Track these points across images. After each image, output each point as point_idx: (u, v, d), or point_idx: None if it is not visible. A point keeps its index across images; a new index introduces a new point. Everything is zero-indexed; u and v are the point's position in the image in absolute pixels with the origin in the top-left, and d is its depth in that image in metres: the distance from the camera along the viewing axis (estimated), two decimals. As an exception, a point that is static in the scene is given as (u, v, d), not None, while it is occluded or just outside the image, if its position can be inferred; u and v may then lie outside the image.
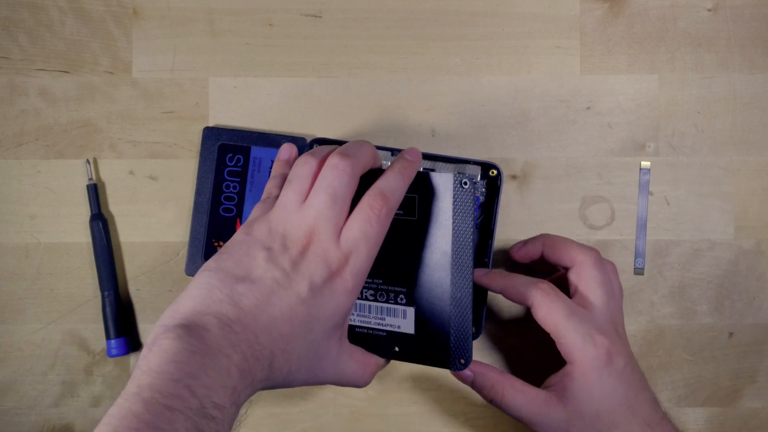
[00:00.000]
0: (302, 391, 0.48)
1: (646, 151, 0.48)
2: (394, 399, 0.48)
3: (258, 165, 0.48)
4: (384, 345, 0.41)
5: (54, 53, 0.48)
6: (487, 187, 0.46)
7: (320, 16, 0.49)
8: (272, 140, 0.47)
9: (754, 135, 0.49)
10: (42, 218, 0.48)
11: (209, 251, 0.47)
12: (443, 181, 0.39)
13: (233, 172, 0.48)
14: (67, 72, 0.48)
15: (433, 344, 0.40)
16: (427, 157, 0.45)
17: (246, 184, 0.48)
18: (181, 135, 0.48)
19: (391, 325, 0.40)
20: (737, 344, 0.48)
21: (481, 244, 0.46)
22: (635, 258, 0.48)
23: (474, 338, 0.44)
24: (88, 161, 0.48)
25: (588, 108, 0.49)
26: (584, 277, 0.41)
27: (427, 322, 0.40)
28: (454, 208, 0.38)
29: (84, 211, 0.48)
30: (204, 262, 0.47)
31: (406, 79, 0.49)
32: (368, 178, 0.38)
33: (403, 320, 0.40)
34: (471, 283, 0.39)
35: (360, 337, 0.41)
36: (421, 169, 0.45)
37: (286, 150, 0.42)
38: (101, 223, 0.48)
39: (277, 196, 0.38)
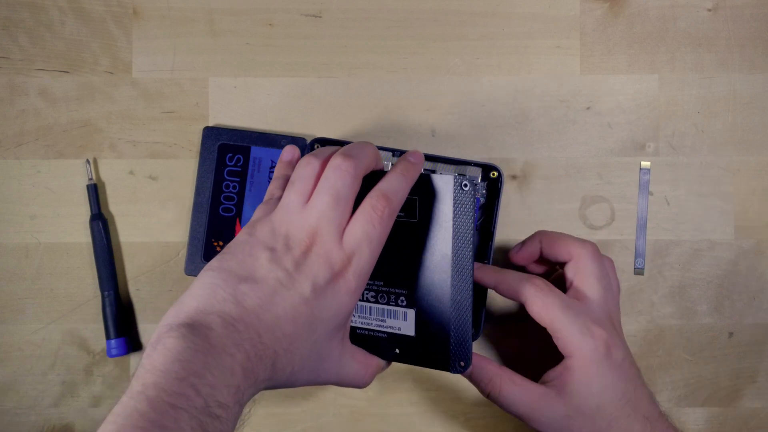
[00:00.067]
0: (303, 391, 0.49)
1: (646, 151, 0.49)
2: (394, 399, 0.49)
3: (258, 165, 0.48)
4: (384, 347, 0.41)
5: (54, 53, 0.49)
6: (488, 189, 0.47)
7: (320, 16, 0.49)
8: (272, 140, 0.48)
9: (754, 135, 0.49)
10: (42, 218, 0.49)
11: (209, 251, 0.48)
12: (444, 183, 0.39)
13: (233, 172, 0.48)
14: (67, 72, 0.49)
15: (433, 346, 0.40)
16: (427, 158, 0.46)
17: (246, 184, 0.48)
18: (181, 135, 0.49)
19: (391, 327, 0.41)
20: (737, 344, 0.49)
21: (481, 245, 0.46)
22: (635, 258, 0.49)
23: (473, 340, 0.45)
24: (88, 161, 0.49)
25: (588, 108, 0.49)
26: (581, 270, 0.41)
27: (427, 324, 0.40)
28: (454, 211, 0.39)
29: (84, 211, 0.49)
30: (203, 262, 0.48)
31: (406, 79, 0.49)
32: (370, 179, 0.38)
33: (403, 322, 0.41)
34: (471, 286, 0.39)
35: (361, 338, 0.41)
36: (422, 171, 0.46)
37: (289, 152, 0.43)
38: (101, 223, 0.48)
39: (280, 198, 0.39)
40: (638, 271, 0.49)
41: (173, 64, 0.49)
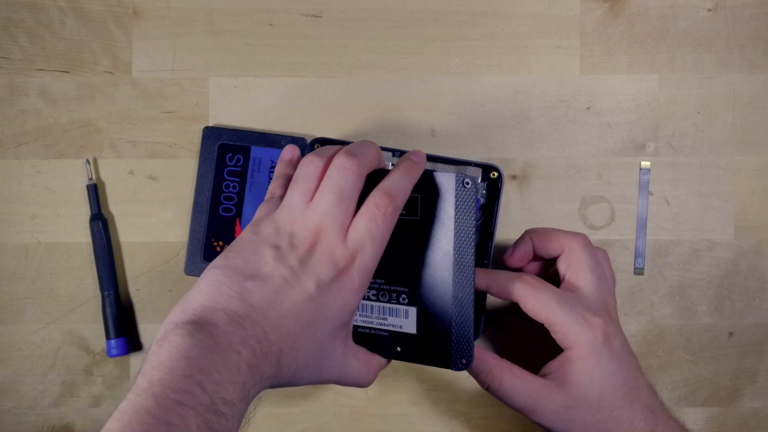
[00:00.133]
0: (303, 391, 0.50)
1: (646, 151, 0.50)
2: (394, 399, 0.50)
3: (258, 165, 0.49)
4: (386, 345, 0.42)
5: (54, 53, 0.50)
6: (488, 189, 0.48)
7: (320, 16, 0.50)
8: (272, 140, 0.49)
9: (754, 135, 0.50)
10: (42, 218, 0.50)
11: (209, 251, 0.49)
12: (446, 181, 0.40)
13: (233, 172, 0.49)
14: (67, 72, 0.50)
15: (435, 344, 0.41)
16: (427, 158, 0.47)
17: (246, 184, 0.49)
18: (181, 135, 0.50)
19: (393, 325, 0.41)
20: (737, 344, 0.50)
21: (481, 245, 0.47)
22: (635, 258, 0.50)
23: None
24: (88, 161, 0.50)
25: (588, 108, 0.50)
26: (572, 262, 0.42)
27: (428, 322, 0.41)
28: (456, 208, 0.40)
29: (84, 211, 0.50)
30: (203, 262, 0.49)
31: (406, 79, 0.50)
32: (373, 178, 0.39)
33: (405, 320, 0.41)
34: (473, 283, 0.40)
35: (362, 337, 0.42)
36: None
37: (289, 151, 0.43)
38: (101, 223, 0.49)
39: (281, 196, 0.39)
40: (638, 271, 0.50)
41: (173, 64, 0.50)
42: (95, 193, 0.49)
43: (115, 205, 0.50)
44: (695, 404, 0.50)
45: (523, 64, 0.50)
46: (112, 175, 0.50)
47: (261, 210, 0.39)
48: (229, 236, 0.49)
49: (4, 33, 0.50)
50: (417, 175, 0.40)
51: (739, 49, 0.50)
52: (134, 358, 0.50)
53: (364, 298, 0.42)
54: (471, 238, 0.40)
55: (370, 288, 0.42)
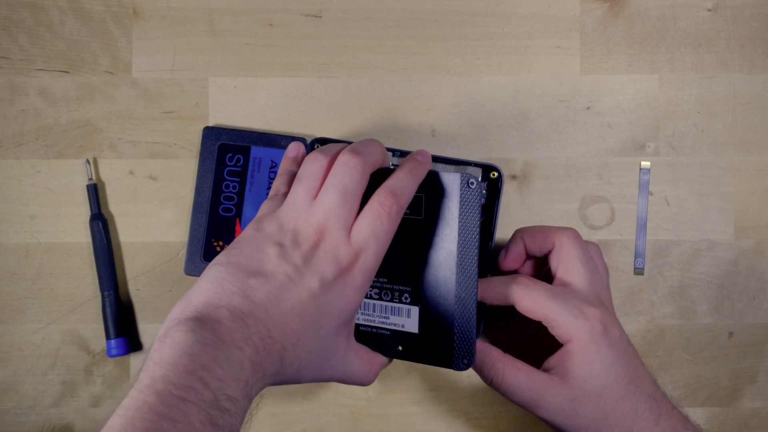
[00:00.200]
0: (303, 391, 0.51)
1: (646, 151, 0.51)
2: (394, 399, 0.51)
3: (258, 165, 0.50)
4: (387, 344, 0.42)
5: (54, 53, 0.51)
6: (488, 189, 0.48)
7: (320, 16, 0.51)
8: (272, 140, 0.50)
9: (754, 135, 0.51)
10: (42, 218, 0.51)
11: (208, 251, 0.50)
12: (450, 181, 0.40)
13: (233, 172, 0.50)
14: (67, 72, 0.51)
15: (437, 344, 0.41)
16: (428, 158, 0.48)
17: (246, 184, 0.50)
18: (181, 135, 0.51)
19: (395, 324, 0.42)
20: (737, 344, 0.51)
21: (481, 245, 0.48)
22: (635, 258, 0.51)
23: None
24: (88, 161, 0.51)
25: (588, 108, 0.51)
26: (564, 257, 0.42)
27: (431, 322, 0.41)
28: (460, 208, 0.40)
29: (84, 211, 0.51)
30: (203, 262, 0.49)
31: (406, 79, 0.51)
32: (377, 177, 0.40)
33: (407, 319, 0.42)
34: (476, 283, 0.40)
35: (364, 335, 0.42)
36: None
37: (294, 148, 0.44)
38: (101, 223, 0.50)
39: (285, 194, 0.40)
40: (638, 271, 0.51)
41: (173, 64, 0.51)
42: (95, 193, 0.50)
43: (115, 205, 0.51)
44: (695, 404, 0.51)
45: (523, 64, 0.51)
46: (112, 175, 0.51)
47: (264, 207, 0.40)
48: (229, 236, 0.50)
49: (4, 33, 0.51)
50: (422, 174, 0.40)
51: (739, 49, 0.51)
52: (134, 358, 0.51)
53: (366, 297, 0.42)
54: (475, 238, 0.40)
55: (372, 287, 0.42)
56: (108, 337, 0.50)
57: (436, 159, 0.48)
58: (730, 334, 0.51)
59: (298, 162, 0.43)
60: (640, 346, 0.50)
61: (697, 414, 0.51)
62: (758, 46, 0.51)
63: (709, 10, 0.51)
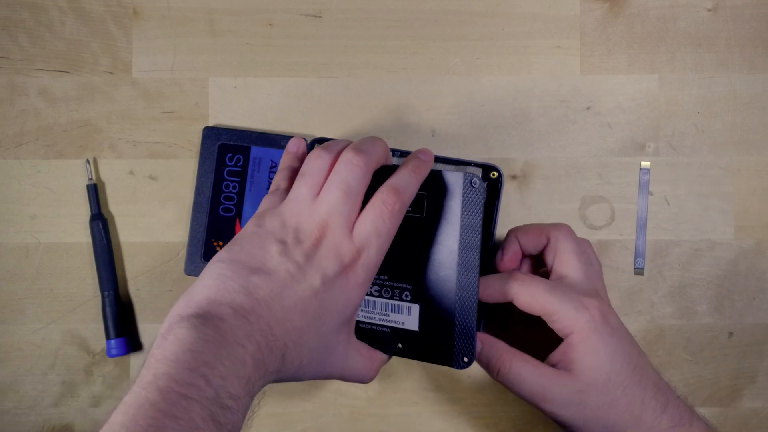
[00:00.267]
0: (303, 391, 0.51)
1: (646, 151, 0.52)
2: (394, 399, 0.51)
3: (258, 165, 0.51)
4: (387, 341, 0.43)
5: (54, 53, 0.52)
6: (488, 189, 0.49)
7: (320, 16, 0.52)
8: (272, 140, 0.51)
9: (754, 135, 0.52)
10: (42, 218, 0.51)
11: (209, 251, 0.50)
12: (453, 180, 0.41)
13: (233, 172, 0.51)
14: (67, 72, 0.52)
15: (437, 342, 0.42)
16: (428, 157, 0.48)
17: (246, 184, 0.50)
18: (181, 135, 0.52)
19: (395, 322, 0.42)
20: (737, 344, 0.52)
21: (481, 246, 0.48)
22: (635, 258, 0.52)
23: None
24: (88, 161, 0.51)
25: (588, 108, 0.52)
26: (558, 251, 0.43)
27: (431, 320, 0.42)
28: (462, 207, 0.41)
29: (84, 211, 0.51)
30: (203, 262, 0.50)
31: (406, 79, 0.52)
32: (380, 174, 0.40)
33: (407, 317, 0.42)
34: (477, 282, 0.41)
35: (364, 332, 0.43)
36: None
37: (295, 143, 0.45)
38: (101, 223, 0.51)
39: (286, 189, 0.41)
40: (638, 271, 0.52)
41: (173, 64, 0.52)
42: (95, 193, 0.51)
43: (115, 205, 0.52)
44: (695, 404, 0.51)
45: (523, 64, 0.52)
46: (112, 175, 0.52)
47: (265, 202, 0.40)
48: (229, 236, 0.50)
49: (4, 33, 0.51)
50: (425, 173, 0.41)
51: (739, 49, 0.52)
52: (134, 358, 0.51)
53: (366, 294, 0.42)
54: (477, 237, 0.41)
55: (373, 284, 0.43)
56: (108, 337, 0.50)
57: (436, 159, 0.48)
58: (730, 334, 0.52)
59: (299, 157, 0.44)
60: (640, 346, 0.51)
61: (697, 414, 0.51)
62: (758, 46, 0.52)
63: (709, 10, 0.52)
